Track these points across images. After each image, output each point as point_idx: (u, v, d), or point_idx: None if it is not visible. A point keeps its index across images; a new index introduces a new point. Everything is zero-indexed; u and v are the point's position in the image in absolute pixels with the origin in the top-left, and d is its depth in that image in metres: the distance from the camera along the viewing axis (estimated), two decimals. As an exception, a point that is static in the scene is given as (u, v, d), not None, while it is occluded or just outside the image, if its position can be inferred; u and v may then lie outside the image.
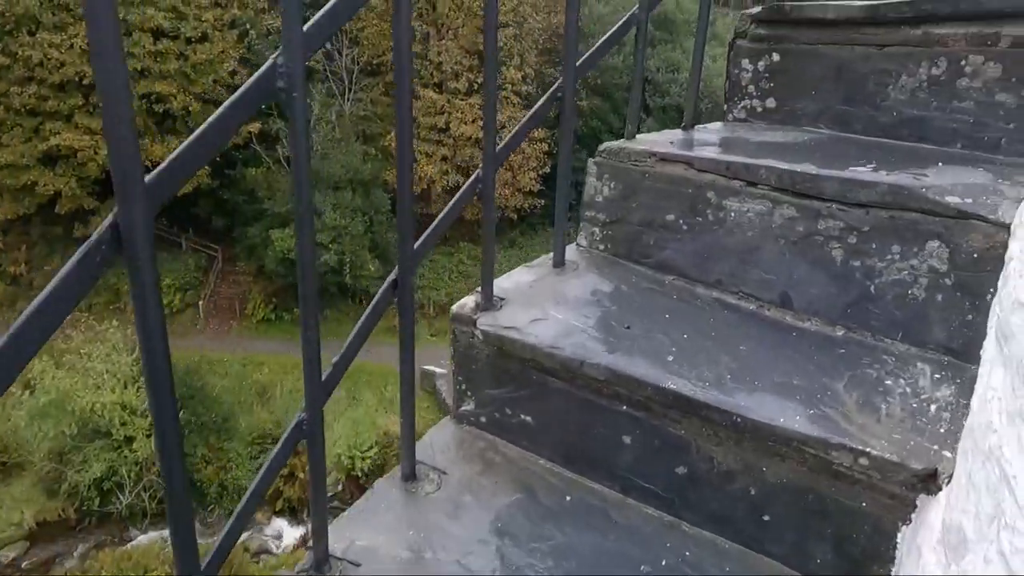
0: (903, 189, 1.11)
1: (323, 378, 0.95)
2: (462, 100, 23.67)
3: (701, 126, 1.74)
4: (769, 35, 1.69)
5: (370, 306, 1.06)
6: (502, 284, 1.42)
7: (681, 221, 1.42)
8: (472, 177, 1.25)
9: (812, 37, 1.60)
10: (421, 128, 24.08)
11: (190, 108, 21.69)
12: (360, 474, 19.75)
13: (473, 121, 23.45)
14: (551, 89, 1.37)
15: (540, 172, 24.54)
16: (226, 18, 22.43)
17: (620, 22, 1.46)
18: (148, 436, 16.25)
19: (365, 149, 23.78)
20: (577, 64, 1.38)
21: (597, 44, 1.43)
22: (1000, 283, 0.92)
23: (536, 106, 1.36)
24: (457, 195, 1.24)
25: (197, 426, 18.48)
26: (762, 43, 1.71)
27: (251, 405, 20.83)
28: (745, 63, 1.75)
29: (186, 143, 0.71)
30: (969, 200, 1.06)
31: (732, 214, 1.34)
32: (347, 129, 23.98)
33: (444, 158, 24.07)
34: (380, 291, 1.08)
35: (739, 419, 1.01)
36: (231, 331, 23.28)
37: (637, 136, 1.59)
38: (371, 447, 20.04)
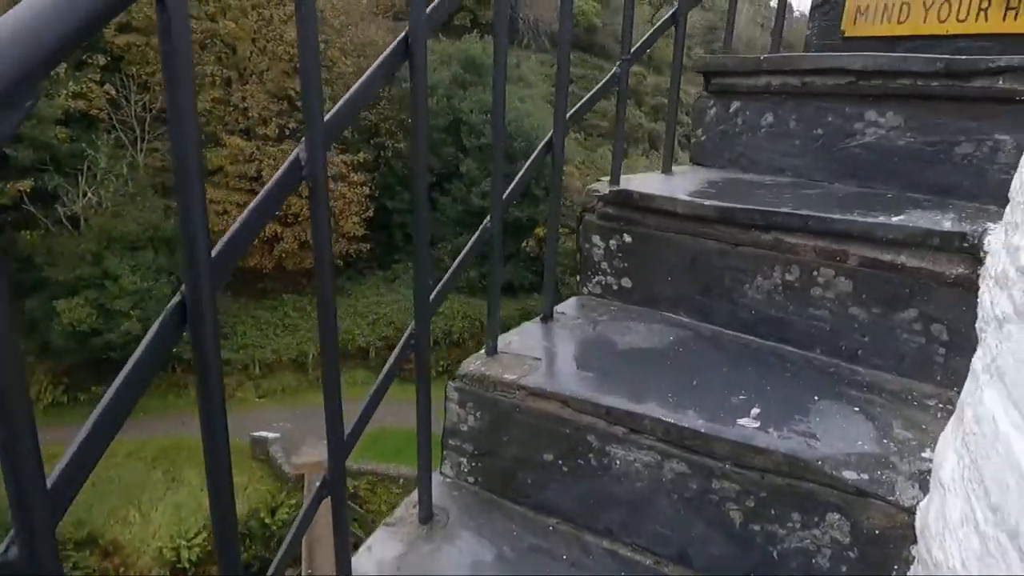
0: (799, 460, 1.05)
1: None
2: (273, 147, 22.50)
3: (560, 311, 1.63)
4: (618, 215, 1.63)
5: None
6: (363, 566, 1.17)
7: (561, 463, 1.27)
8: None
9: (663, 224, 1.55)
10: (230, 177, 22.54)
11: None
12: (188, 565, 17.67)
13: (287, 168, 22.37)
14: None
15: (363, 216, 23.96)
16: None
17: (479, 233, 1.29)
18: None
19: (166, 203, 21.67)
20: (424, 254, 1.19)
21: (459, 259, 1.26)
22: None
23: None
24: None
25: (-29, 546, 15.46)
26: (612, 222, 1.64)
27: (44, 508, 17.83)
28: (596, 239, 1.67)
29: None
30: (865, 476, 1.02)
31: (618, 462, 1.21)
32: (142, 183, 21.73)
33: (258, 208, 22.65)
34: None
35: None
36: (11, 422, 19.82)
37: (499, 342, 1.43)
38: (198, 533, 17.97)
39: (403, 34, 1.00)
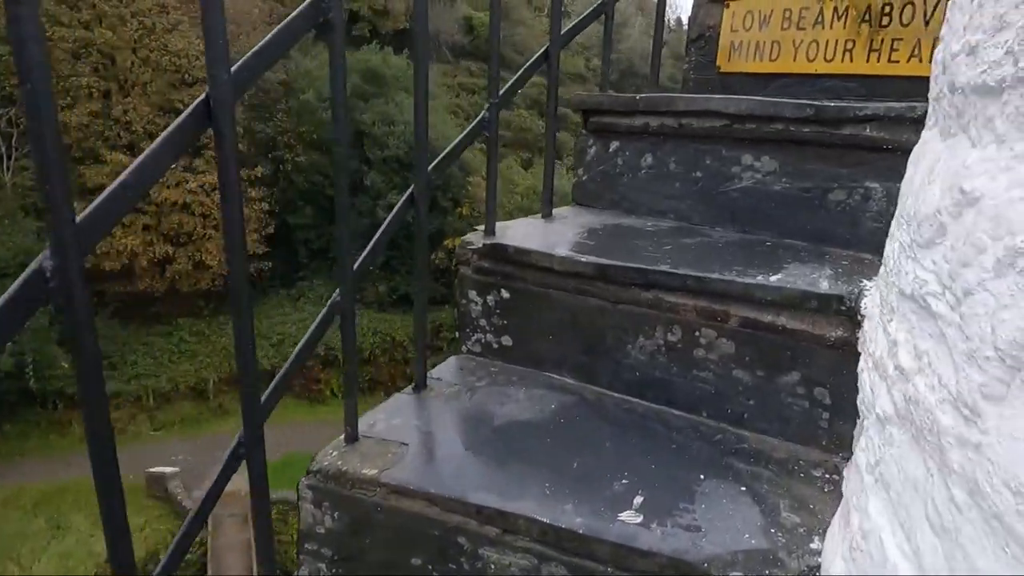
0: (684, 563, 0.95)
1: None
2: (160, 163, 21.12)
3: (436, 376, 1.48)
4: (495, 270, 1.50)
5: None
6: None
7: (431, 567, 1.12)
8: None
9: (542, 280, 1.44)
10: (112, 196, 20.94)
11: None
12: (78, 622, 16.19)
13: (177, 185, 21.08)
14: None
15: (263, 233, 22.93)
16: None
17: (327, 310, 1.13)
18: None
19: (38, 225, 19.89)
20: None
21: (301, 345, 1.09)
22: None
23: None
24: None
25: None
26: (488, 276, 1.51)
27: None
28: (473, 295, 1.54)
29: None
30: (753, 578, 0.93)
31: (492, 566, 1.08)
32: (10, 204, 19.88)
33: (147, 227, 21.21)
34: None
35: None
36: None
37: (364, 422, 1.27)
38: (90, 583, 16.52)
39: (204, 95, 0.82)
